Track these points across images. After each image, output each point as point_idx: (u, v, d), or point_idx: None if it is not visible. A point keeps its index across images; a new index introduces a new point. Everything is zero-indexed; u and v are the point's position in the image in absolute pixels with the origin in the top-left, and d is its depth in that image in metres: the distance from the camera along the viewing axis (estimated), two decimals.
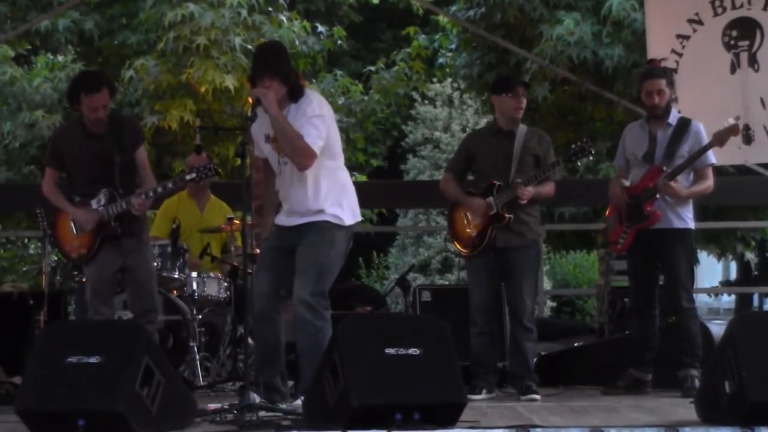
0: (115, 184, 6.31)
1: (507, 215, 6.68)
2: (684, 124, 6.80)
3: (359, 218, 5.95)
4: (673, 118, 6.83)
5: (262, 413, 5.14)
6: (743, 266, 18.50)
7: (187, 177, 6.30)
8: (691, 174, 6.78)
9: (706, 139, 6.74)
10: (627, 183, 6.87)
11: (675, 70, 8.26)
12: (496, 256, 6.76)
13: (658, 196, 6.70)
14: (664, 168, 6.70)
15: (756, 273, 18.19)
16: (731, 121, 6.68)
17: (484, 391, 6.68)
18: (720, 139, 6.66)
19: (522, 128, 6.86)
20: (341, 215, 5.80)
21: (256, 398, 5.33)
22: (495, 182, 6.74)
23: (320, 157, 5.70)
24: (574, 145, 6.78)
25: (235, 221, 7.56)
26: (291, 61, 6.03)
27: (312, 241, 5.74)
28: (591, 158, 6.87)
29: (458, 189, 6.95)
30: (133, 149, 6.41)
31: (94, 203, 6.31)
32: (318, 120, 5.71)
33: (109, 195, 6.30)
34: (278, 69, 5.72)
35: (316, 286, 5.68)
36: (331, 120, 5.86)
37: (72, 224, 6.38)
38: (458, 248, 7.00)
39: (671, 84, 6.84)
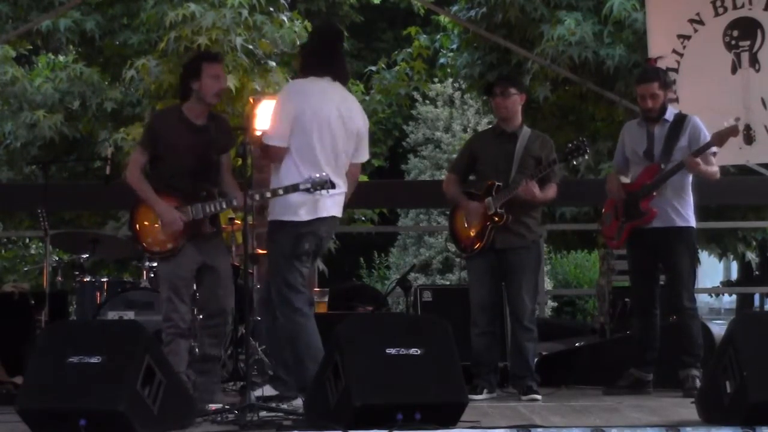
0: (213, 181, 6.10)
1: (505, 216, 6.68)
2: (680, 119, 6.80)
3: (319, 214, 5.80)
4: (669, 114, 6.83)
5: (263, 413, 5.14)
6: (744, 266, 18.45)
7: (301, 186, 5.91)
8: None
9: (704, 131, 6.74)
10: (627, 180, 6.87)
11: (676, 70, 8.28)
12: (496, 257, 6.76)
13: (655, 194, 6.71)
14: (663, 165, 6.71)
15: (757, 273, 18.14)
16: (731, 121, 6.68)
17: (485, 391, 6.68)
18: (720, 139, 6.65)
19: (525, 130, 6.86)
20: (287, 211, 5.81)
21: (262, 393, 5.33)
22: (494, 183, 6.74)
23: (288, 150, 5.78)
24: (570, 144, 6.75)
25: (236, 221, 7.56)
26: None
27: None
28: (587, 157, 6.84)
29: (458, 191, 6.94)
30: (224, 150, 6.20)
31: (198, 205, 6.00)
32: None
33: (208, 194, 6.04)
34: None
35: (272, 277, 5.90)
36: (294, 108, 5.81)
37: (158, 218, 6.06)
38: (458, 249, 7.03)
39: (665, 85, 6.81)
